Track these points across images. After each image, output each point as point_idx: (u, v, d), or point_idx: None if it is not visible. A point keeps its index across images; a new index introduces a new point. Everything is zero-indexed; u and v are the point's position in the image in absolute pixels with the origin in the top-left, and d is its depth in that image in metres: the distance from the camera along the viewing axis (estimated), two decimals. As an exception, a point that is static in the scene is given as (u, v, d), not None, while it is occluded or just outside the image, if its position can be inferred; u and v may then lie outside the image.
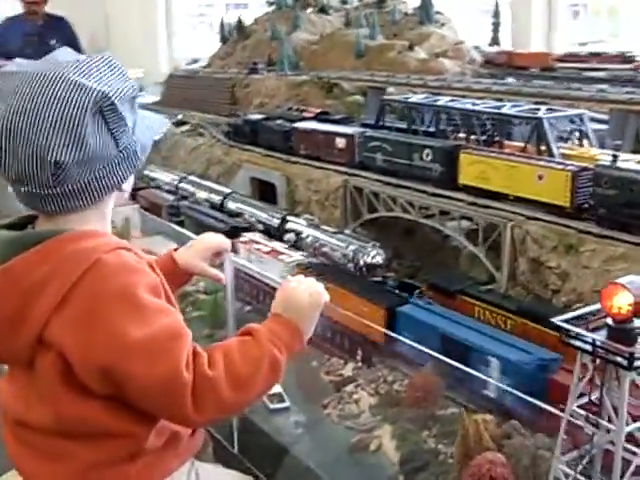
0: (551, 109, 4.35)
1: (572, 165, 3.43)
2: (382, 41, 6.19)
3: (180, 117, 7.17)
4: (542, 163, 3.43)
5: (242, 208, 4.57)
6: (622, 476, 1.88)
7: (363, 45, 6.27)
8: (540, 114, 3.74)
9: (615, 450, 1.84)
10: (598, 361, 1.86)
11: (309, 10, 7.64)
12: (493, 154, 3.62)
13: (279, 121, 5.45)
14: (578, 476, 1.91)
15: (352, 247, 3.68)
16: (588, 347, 1.83)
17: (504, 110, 3.92)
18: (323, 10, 7.63)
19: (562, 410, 2.01)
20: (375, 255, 3.70)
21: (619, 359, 1.77)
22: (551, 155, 3.80)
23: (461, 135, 4.10)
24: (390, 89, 5.72)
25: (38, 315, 1.84)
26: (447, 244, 3.92)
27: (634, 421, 1.90)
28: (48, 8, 12.51)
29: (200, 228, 3.80)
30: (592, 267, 3.22)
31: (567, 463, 1.97)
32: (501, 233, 3.47)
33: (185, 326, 1.95)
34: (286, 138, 5.21)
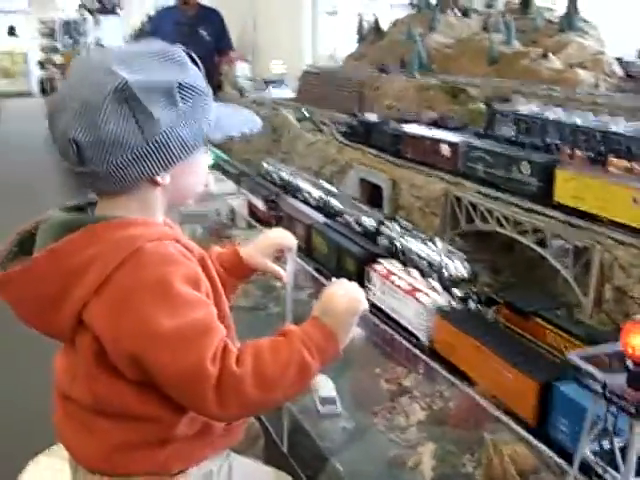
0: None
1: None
2: (516, 48, 6.07)
3: (304, 112, 7.28)
4: (638, 186, 3.20)
5: (342, 209, 4.59)
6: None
7: (496, 51, 6.15)
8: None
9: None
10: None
11: (449, 12, 7.61)
12: (587, 172, 3.41)
13: (391, 124, 5.46)
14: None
15: (437, 258, 3.59)
16: (598, 388, 1.68)
17: (611, 127, 3.73)
18: (465, 13, 7.52)
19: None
20: (460, 268, 3.60)
21: (626, 404, 1.62)
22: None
23: (567, 151, 3.94)
24: (519, 98, 5.60)
25: (79, 296, 1.92)
26: (546, 262, 3.78)
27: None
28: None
29: (331, 246, 3.80)
30: (679, 301, 3.05)
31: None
32: (590, 256, 3.30)
33: (217, 322, 1.97)
34: (396, 141, 5.18)
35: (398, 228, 4.53)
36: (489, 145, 4.46)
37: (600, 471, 1.76)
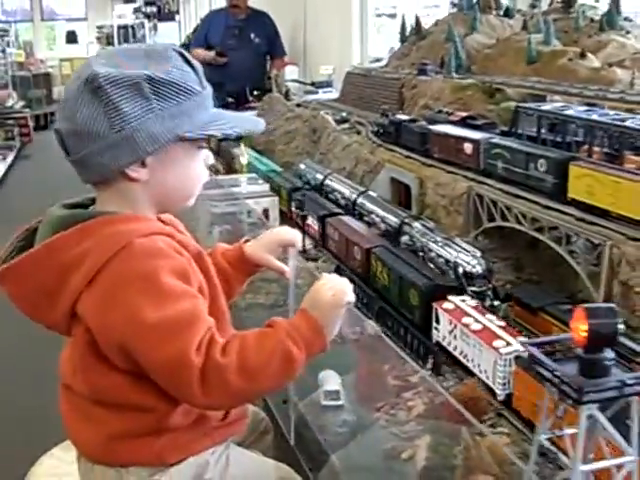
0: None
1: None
2: (554, 47, 5.98)
3: (344, 114, 7.29)
4: (647, 180, 3.17)
5: (370, 207, 4.60)
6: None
7: (535, 51, 6.07)
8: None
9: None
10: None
11: (494, 12, 7.51)
12: (599, 167, 3.35)
13: (420, 123, 5.42)
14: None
15: (452, 254, 3.55)
16: (549, 375, 1.70)
17: (628, 123, 3.63)
18: (507, 13, 7.45)
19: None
20: (475, 265, 3.54)
21: (570, 391, 1.63)
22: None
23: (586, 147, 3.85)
24: (556, 97, 5.53)
25: (72, 289, 2.01)
26: (573, 261, 3.74)
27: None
28: (253, 3, 13.11)
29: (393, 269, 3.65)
30: (682, 298, 2.98)
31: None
32: (601, 252, 3.25)
33: (204, 313, 2.02)
34: (423, 140, 5.15)
35: (419, 227, 4.55)
36: (509, 142, 4.45)
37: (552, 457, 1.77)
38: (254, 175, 6.63)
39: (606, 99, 5.02)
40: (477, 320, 3.48)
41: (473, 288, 3.92)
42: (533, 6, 7.94)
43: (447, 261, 4.10)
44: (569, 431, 1.75)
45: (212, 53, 12.24)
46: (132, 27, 23.57)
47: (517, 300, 3.58)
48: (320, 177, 6.30)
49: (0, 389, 5.39)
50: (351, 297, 2.18)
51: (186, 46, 15.76)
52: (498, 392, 3.23)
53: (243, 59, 12.36)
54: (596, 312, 1.67)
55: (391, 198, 5.77)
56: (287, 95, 9.74)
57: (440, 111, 6.04)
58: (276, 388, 2.22)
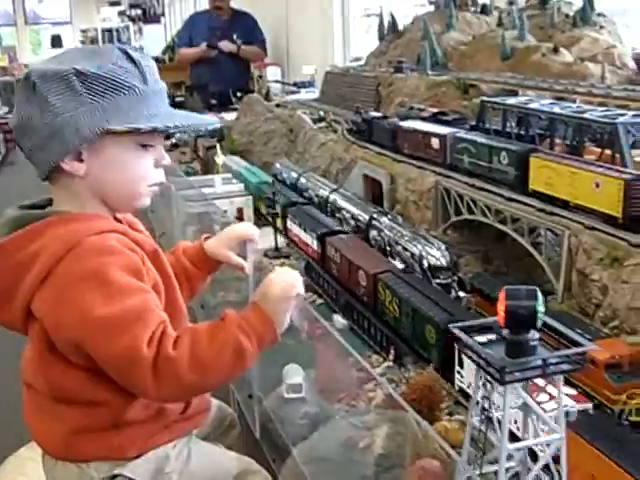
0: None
1: (629, 173, 3.16)
2: (528, 43, 6.00)
3: (321, 113, 7.30)
4: (600, 170, 3.16)
5: (342, 204, 4.65)
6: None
7: (509, 47, 6.10)
8: (620, 119, 3.44)
9: (499, 469, 1.73)
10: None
11: (471, 9, 7.52)
12: (557, 159, 3.39)
13: (390, 120, 5.44)
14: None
15: (418, 248, 3.56)
16: (475, 357, 1.73)
17: (586, 115, 3.65)
18: (483, 10, 7.47)
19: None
20: (439, 257, 3.55)
21: (493, 371, 1.66)
22: (624, 163, 3.50)
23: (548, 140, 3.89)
24: (528, 92, 5.57)
25: (26, 289, 2.03)
26: (537, 251, 3.80)
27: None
28: (236, 4, 13.12)
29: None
30: (632, 282, 2.96)
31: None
32: (561, 242, 3.30)
33: (156, 308, 2.04)
34: (393, 137, 5.19)
35: (387, 221, 4.58)
36: (473, 136, 4.49)
37: (483, 438, 1.80)
38: (228, 175, 6.65)
39: (575, 93, 5.08)
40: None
41: (438, 280, 3.95)
42: (510, 3, 7.99)
43: (412, 254, 4.13)
44: (498, 413, 1.78)
45: (203, 46, 12.31)
46: (117, 30, 23.50)
47: (478, 291, 3.61)
48: (295, 176, 6.33)
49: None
50: (300, 289, 2.21)
51: (171, 48, 15.80)
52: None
53: (226, 61, 12.40)
54: (515, 294, 1.71)
55: (364, 194, 5.80)
56: (267, 96, 9.76)
57: (412, 107, 6.08)
58: (228, 380, 2.24)
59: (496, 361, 1.67)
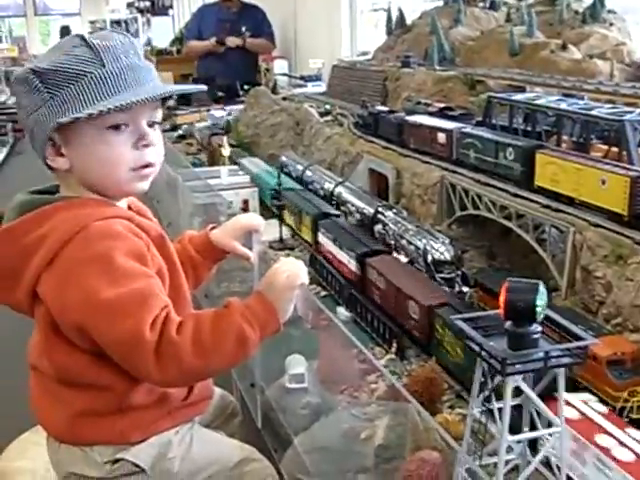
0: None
1: (635, 171, 3.16)
2: (536, 39, 5.97)
3: (328, 107, 7.31)
4: (606, 167, 3.16)
5: (347, 197, 4.64)
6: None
7: (517, 43, 6.08)
8: (628, 116, 3.44)
9: (498, 461, 1.74)
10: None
11: (479, 5, 7.50)
12: (563, 155, 3.38)
13: (397, 114, 5.43)
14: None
15: (422, 242, 3.55)
16: (477, 349, 1.74)
17: (593, 112, 3.64)
18: (492, 6, 7.44)
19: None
20: (443, 251, 3.53)
21: (495, 363, 1.68)
22: (631, 161, 3.49)
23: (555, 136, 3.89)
24: (536, 88, 5.57)
25: (33, 271, 2.06)
26: (541, 247, 3.78)
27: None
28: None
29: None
30: (636, 280, 2.95)
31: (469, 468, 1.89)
32: (565, 239, 3.30)
33: (160, 293, 2.06)
34: (399, 131, 5.18)
35: (392, 215, 4.59)
36: (480, 132, 4.49)
37: (483, 430, 1.82)
38: (235, 167, 6.66)
39: (583, 90, 5.07)
40: (621, 442, 2.36)
41: (442, 275, 3.96)
42: (520, -1, 7.97)
43: (417, 248, 4.15)
44: (498, 404, 1.79)
45: (212, 40, 12.34)
46: (125, 22, 23.54)
47: (481, 285, 3.62)
48: (300, 168, 6.34)
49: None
50: (304, 279, 2.23)
51: (179, 40, 15.79)
52: None
53: (234, 53, 12.40)
54: (515, 287, 1.73)
55: (370, 188, 5.81)
56: (274, 89, 9.76)
57: (419, 102, 6.08)
58: (230, 367, 2.27)
59: (498, 353, 1.68)
